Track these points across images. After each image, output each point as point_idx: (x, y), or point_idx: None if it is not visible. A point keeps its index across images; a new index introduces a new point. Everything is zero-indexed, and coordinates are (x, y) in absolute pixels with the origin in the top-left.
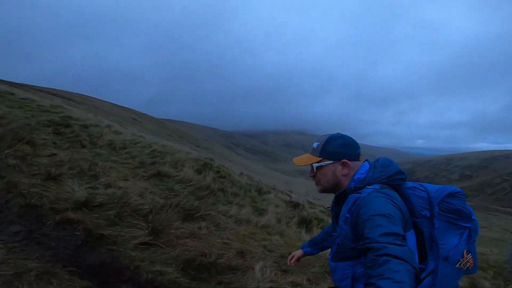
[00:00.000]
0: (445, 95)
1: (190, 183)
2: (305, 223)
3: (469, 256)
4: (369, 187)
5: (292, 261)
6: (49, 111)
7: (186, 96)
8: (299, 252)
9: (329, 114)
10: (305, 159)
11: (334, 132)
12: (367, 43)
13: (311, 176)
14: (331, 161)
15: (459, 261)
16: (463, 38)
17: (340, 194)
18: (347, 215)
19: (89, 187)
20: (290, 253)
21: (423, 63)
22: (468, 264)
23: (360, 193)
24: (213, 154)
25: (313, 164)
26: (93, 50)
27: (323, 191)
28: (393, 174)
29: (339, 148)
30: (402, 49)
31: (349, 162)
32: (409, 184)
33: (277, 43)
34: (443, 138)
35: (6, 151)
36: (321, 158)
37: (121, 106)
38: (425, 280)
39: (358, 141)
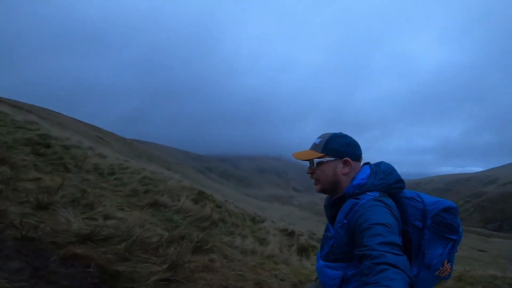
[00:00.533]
0: (414, 122)
1: (189, 214)
2: (304, 250)
3: (448, 265)
4: (368, 193)
5: None
6: (24, 128)
7: (160, 117)
8: None
9: (304, 140)
10: (306, 154)
11: (338, 132)
12: (346, 71)
13: (309, 173)
14: (333, 158)
15: (439, 269)
16: (431, 67)
17: (338, 198)
18: (345, 221)
19: (86, 218)
20: (300, 282)
21: (395, 91)
22: (446, 272)
23: (358, 199)
24: (185, 179)
25: (314, 159)
26: (71, 64)
27: (322, 190)
28: (393, 182)
29: (342, 146)
30: (377, 78)
31: (351, 162)
32: (407, 193)
33: (258, 67)
34: (412, 163)
35: None
36: (323, 154)
37: (88, 124)
38: None
39: None
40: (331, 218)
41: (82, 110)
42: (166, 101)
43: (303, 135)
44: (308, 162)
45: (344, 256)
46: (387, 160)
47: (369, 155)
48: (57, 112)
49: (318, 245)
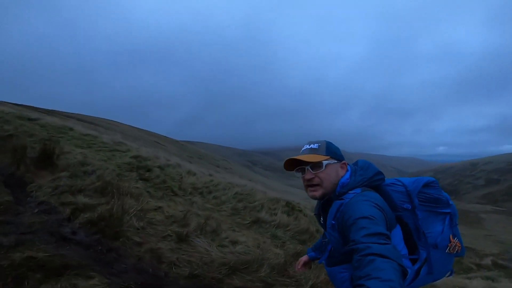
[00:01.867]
0: (463, 103)
1: (288, 228)
2: None
3: (455, 240)
4: (351, 192)
5: (299, 267)
6: (117, 150)
7: (210, 119)
8: (305, 258)
9: (349, 128)
10: (314, 157)
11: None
12: (389, 61)
13: (309, 178)
14: (335, 161)
15: (448, 246)
16: (477, 50)
17: (326, 202)
18: (333, 222)
19: (218, 246)
20: None
21: (441, 75)
22: (457, 247)
23: (342, 199)
24: (233, 174)
25: (323, 161)
26: (136, 80)
27: (324, 194)
28: (372, 176)
29: (339, 150)
30: (422, 64)
31: (347, 165)
32: (387, 180)
33: (302, 65)
34: (465, 143)
35: (133, 212)
36: (328, 156)
37: (146, 131)
38: (422, 269)
39: (378, 152)
40: (325, 224)
41: (142, 118)
42: (217, 105)
43: (348, 124)
44: (297, 169)
45: (345, 257)
46: (438, 141)
47: (418, 138)
48: (118, 122)
49: None
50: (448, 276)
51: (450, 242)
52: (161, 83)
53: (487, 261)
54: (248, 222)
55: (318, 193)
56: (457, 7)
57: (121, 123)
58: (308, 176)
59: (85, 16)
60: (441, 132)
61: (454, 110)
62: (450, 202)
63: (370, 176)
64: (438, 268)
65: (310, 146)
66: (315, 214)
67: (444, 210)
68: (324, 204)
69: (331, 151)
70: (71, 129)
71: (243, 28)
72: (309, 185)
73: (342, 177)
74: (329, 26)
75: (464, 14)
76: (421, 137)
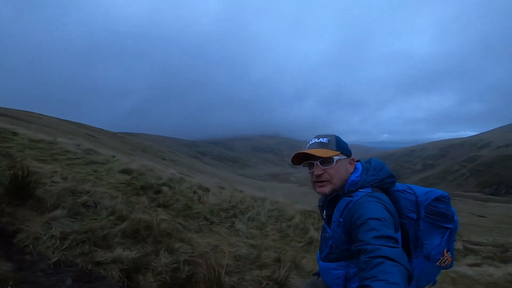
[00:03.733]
0: (406, 98)
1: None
2: None
3: (449, 254)
4: (361, 190)
5: None
6: (95, 162)
7: (157, 111)
8: None
9: (302, 118)
10: (325, 152)
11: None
12: (343, 61)
13: (318, 174)
14: (345, 157)
15: (440, 259)
16: (421, 55)
17: (334, 198)
18: (340, 220)
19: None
20: None
21: (388, 75)
22: (447, 261)
23: (351, 196)
24: (181, 166)
25: (334, 157)
26: (77, 71)
27: (334, 190)
28: (385, 177)
29: (347, 145)
30: (372, 65)
31: (354, 161)
32: (398, 186)
33: (266, 59)
34: (405, 131)
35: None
36: (339, 152)
37: (73, 122)
38: None
39: None
40: (328, 218)
41: (76, 110)
42: (168, 97)
43: (300, 114)
44: (305, 163)
45: (344, 254)
46: (382, 129)
47: (365, 127)
48: (40, 114)
49: None
50: (431, 286)
51: (443, 256)
52: (107, 75)
53: (458, 245)
54: (303, 244)
55: (327, 189)
56: (404, 19)
57: (45, 115)
58: (317, 171)
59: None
60: (385, 121)
61: (397, 104)
62: (455, 217)
63: (382, 177)
64: (423, 278)
65: (319, 140)
66: (318, 206)
67: (447, 225)
68: (331, 199)
69: (341, 146)
70: (14, 133)
71: (212, 24)
72: (318, 180)
73: (351, 173)
74: (297, 25)
75: (410, 25)
76: (367, 125)
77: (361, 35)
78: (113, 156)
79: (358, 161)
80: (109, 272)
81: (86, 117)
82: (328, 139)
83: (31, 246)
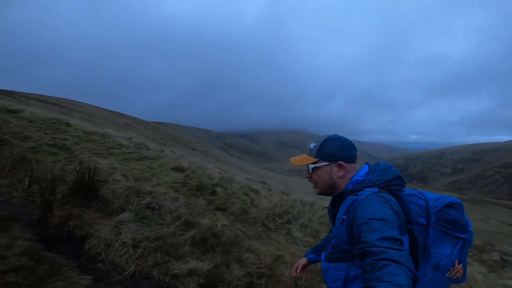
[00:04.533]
0: (441, 99)
1: None
2: None
3: (460, 266)
4: (367, 189)
5: (297, 271)
6: (147, 158)
7: (192, 104)
8: (303, 261)
9: (330, 115)
10: (301, 160)
11: (332, 134)
12: (378, 62)
13: (307, 178)
14: (327, 163)
15: (450, 270)
16: (462, 57)
17: (338, 196)
18: (344, 217)
19: None
20: None
21: (422, 77)
22: (458, 274)
23: (357, 195)
24: (209, 157)
25: (309, 165)
26: (121, 63)
27: (321, 193)
28: (391, 179)
29: (336, 150)
30: (407, 67)
31: (345, 164)
32: (408, 191)
33: (301, 57)
34: (437, 133)
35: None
36: (317, 159)
37: (116, 112)
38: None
39: (354, 138)
40: (333, 218)
41: (116, 101)
42: (204, 92)
43: (329, 112)
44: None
45: (345, 255)
46: (412, 130)
47: (394, 127)
48: (82, 102)
49: None
50: None
51: (454, 267)
52: (151, 69)
53: (495, 256)
54: None
55: (316, 191)
56: (444, 22)
57: (86, 103)
58: (307, 175)
59: None
60: (415, 122)
61: (429, 105)
62: (469, 228)
63: (388, 179)
64: None
65: (310, 146)
66: (326, 208)
67: (460, 235)
68: (336, 198)
69: (323, 152)
70: (68, 124)
71: (252, 25)
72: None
73: (341, 177)
74: (333, 27)
75: (450, 28)
76: (396, 125)
77: (396, 38)
78: (162, 151)
79: (366, 163)
80: (186, 286)
81: (125, 107)
82: (314, 145)
83: (103, 253)
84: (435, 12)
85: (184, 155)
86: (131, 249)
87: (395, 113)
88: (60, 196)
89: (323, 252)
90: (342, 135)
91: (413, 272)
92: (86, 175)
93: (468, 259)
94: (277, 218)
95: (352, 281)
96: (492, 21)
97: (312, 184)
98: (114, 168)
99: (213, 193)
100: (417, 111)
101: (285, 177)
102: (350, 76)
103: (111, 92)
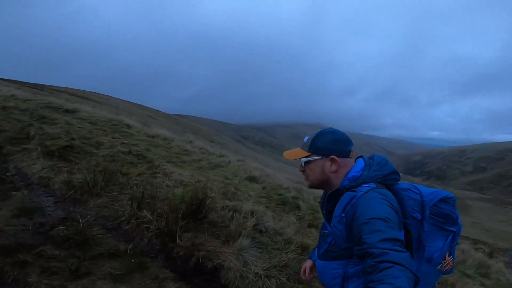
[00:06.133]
0: (465, 97)
1: None
2: None
3: (450, 258)
4: (364, 185)
5: (306, 275)
6: (218, 165)
7: (216, 98)
8: (309, 263)
9: (349, 110)
10: (294, 153)
11: (328, 127)
12: (401, 60)
13: (300, 171)
14: (319, 157)
15: (441, 263)
16: (487, 58)
17: (334, 192)
18: (343, 215)
19: None
20: None
21: (446, 76)
22: (448, 266)
23: (355, 191)
24: (227, 150)
25: (302, 159)
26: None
27: (312, 186)
28: (388, 174)
29: (329, 143)
30: (429, 66)
31: (337, 159)
32: (402, 184)
33: (323, 51)
34: (459, 130)
35: None
36: (309, 153)
37: (138, 105)
38: None
39: (369, 132)
40: (328, 214)
41: (142, 94)
42: (227, 85)
43: (349, 106)
44: None
45: (343, 253)
46: (434, 126)
47: (415, 122)
48: (109, 96)
49: None
50: None
51: (445, 259)
52: (179, 64)
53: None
54: None
55: (307, 183)
56: (467, 24)
57: (112, 97)
58: (300, 168)
59: None
60: (437, 118)
61: (452, 102)
62: (459, 221)
63: (385, 173)
64: (425, 282)
65: (304, 139)
66: (319, 202)
67: (451, 228)
68: (332, 194)
69: (315, 146)
70: (127, 125)
71: (281, 22)
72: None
73: (333, 172)
74: (359, 24)
75: (472, 30)
76: (417, 121)
77: (422, 38)
78: (222, 155)
79: (360, 156)
80: None
81: (149, 101)
82: (308, 138)
83: (240, 287)
84: (461, 12)
85: (243, 159)
86: (266, 280)
87: (417, 109)
88: (181, 223)
89: (316, 250)
90: (357, 129)
91: (414, 274)
92: (197, 197)
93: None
94: None
95: (350, 278)
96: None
97: (304, 177)
98: (199, 181)
99: (298, 207)
100: (440, 108)
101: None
102: (373, 74)
103: (140, 86)
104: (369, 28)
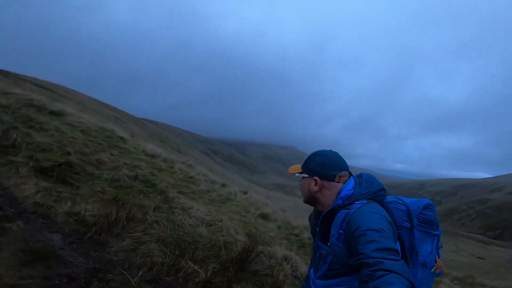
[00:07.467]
0: (429, 134)
1: None
2: None
3: (440, 261)
4: (357, 202)
5: None
6: (227, 198)
7: (192, 107)
8: None
9: (323, 136)
10: (294, 168)
11: (327, 149)
12: (380, 97)
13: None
14: (307, 176)
15: (434, 266)
16: (453, 99)
17: (329, 212)
18: (340, 231)
19: None
20: None
21: (417, 114)
22: (440, 268)
23: (349, 209)
24: (194, 161)
25: (296, 174)
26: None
27: (305, 202)
28: (377, 190)
29: (316, 165)
30: (401, 104)
31: (319, 180)
32: (388, 198)
33: (308, 82)
34: (421, 164)
35: None
36: (301, 171)
37: (103, 103)
38: None
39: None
40: (322, 235)
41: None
42: (208, 98)
43: (324, 133)
44: None
45: (346, 269)
46: (398, 159)
47: (382, 154)
48: (75, 91)
49: None
50: None
51: (436, 262)
52: (171, 70)
53: None
54: None
55: (303, 199)
56: (439, 70)
57: (77, 92)
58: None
59: None
60: (403, 152)
61: (417, 138)
62: (438, 224)
63: (375, 190)
64: (422, 286)
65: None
66: (310, 223)
67: (435, 232)
68: (326, 214)
69: (306, 165)
70: (121, 138)
71: (284, 52)
72: None
73: (316, 191)
74: (347, 62)
75: (443, 75)
76: (384, 153)
77: (400, 78)
78: (223, 185)
79: (350, 175)
80: None
81: (130, 101)
82: (307, 157)
83: None
84: (439, 56)
85: (246, 191)
86: None
87: (386, 141)
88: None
89: (312, 273)
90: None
91: (410, 281)
92: (240, 249)
93: None
94: None
95: None
96: (480, 70)
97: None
98: (219, 220)
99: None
100: (406, 142)
101: (268, 191)
102: (352, 105)
103: (122, 87)
104: (358, 65)
